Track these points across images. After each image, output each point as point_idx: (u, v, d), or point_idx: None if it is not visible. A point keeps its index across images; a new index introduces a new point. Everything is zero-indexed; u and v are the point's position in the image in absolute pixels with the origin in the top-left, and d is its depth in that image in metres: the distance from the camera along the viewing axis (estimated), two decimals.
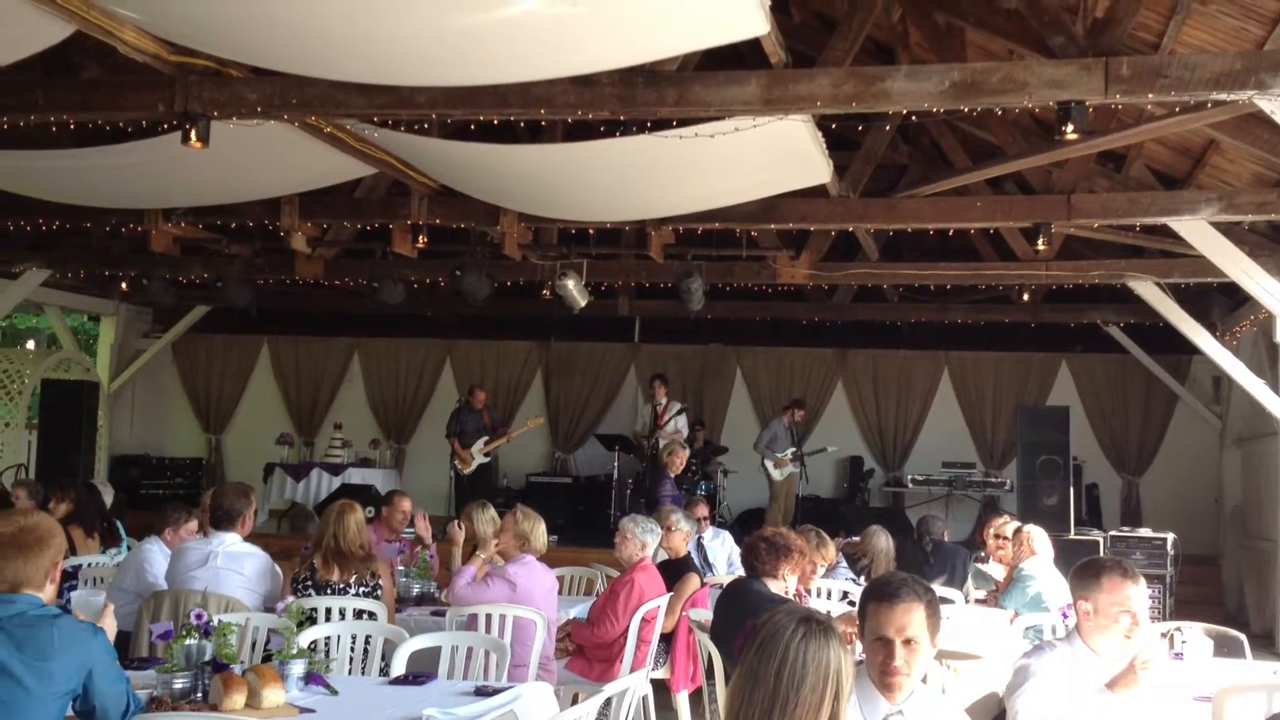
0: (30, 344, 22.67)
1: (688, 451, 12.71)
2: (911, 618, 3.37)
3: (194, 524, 7.34)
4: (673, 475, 12.36)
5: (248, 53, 7.24)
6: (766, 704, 2.66)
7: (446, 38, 6.48)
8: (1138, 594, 4.10)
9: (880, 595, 3.44)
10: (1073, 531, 11.68)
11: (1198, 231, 9.73)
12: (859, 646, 3.67)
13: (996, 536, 8.50)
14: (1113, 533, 12.08)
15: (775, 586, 5.97)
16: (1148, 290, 12.18)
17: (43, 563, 3.79)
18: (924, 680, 3.52)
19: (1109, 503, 15.48)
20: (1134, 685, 4.01)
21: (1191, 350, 13.26)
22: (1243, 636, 6.44)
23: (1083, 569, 4.25)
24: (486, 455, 14.25)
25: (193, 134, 7.48)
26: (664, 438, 14.10)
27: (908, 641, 3.36)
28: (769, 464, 14.23)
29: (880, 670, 3.37)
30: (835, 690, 2.68)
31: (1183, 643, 5.53)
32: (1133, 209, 9.77)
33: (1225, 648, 6.25)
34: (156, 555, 6.99)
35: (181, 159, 8.33)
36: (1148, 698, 4.05)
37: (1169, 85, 6.58)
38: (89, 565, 7.80)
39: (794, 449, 14.18)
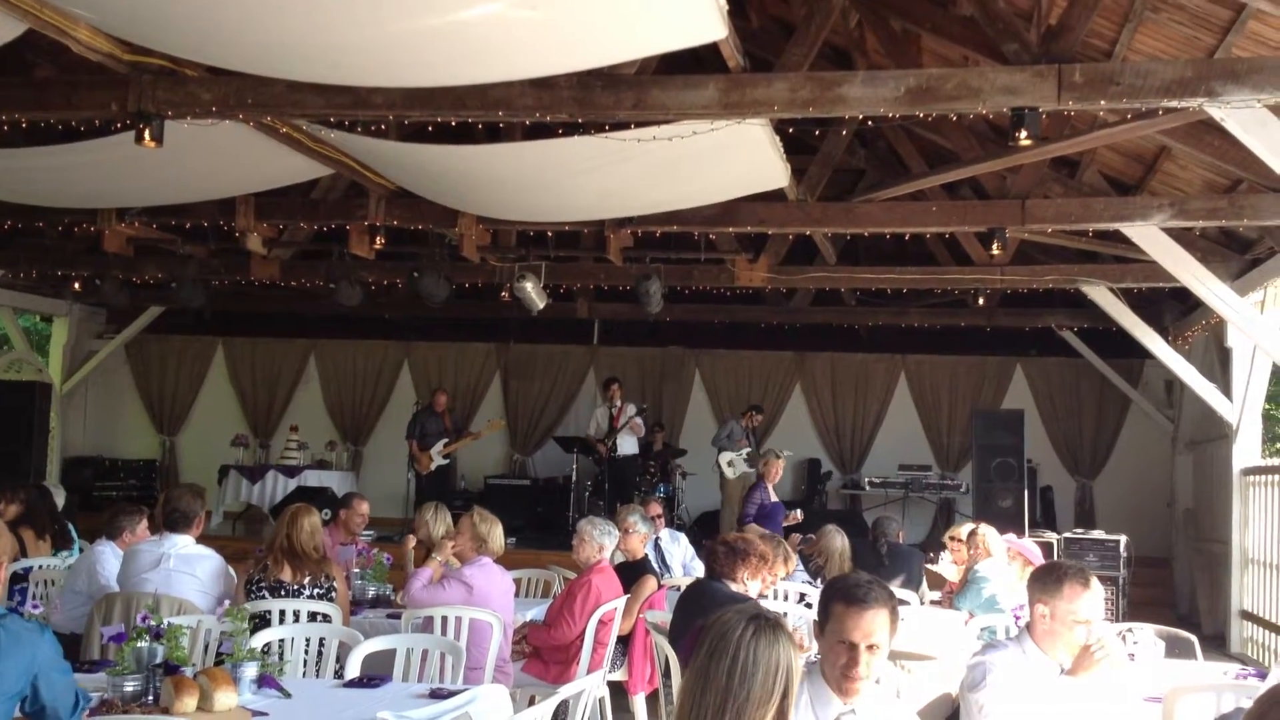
0: None
1: (783, 460, 12.20)
2: (878, 623, 3.39)
3: (145, 522, 7.27)
4: (770, 484, 11.66)
5: (203, 52, 7.17)
6: (718, 703, 2.66)
7: (405, 39, 6.46)
8: (1096, 604, 4.15)
9: (849, 598, 3.43)
10: (1027, 534, 11.76)
11: (1150, 237, 9.84)
12: (814, 647, 3.68)
13: (951, 539, 8.55)
14: (1066, 535, 12.18)
15: (734, 588, 5.98)
16: (1101, 295, 12.32)
17: None
18: (877, 680, 3.54)
19: (1063, 505, 15.59)
20: (1093, 667, 4.06)
21: (1144, 354, 13.41)
22: (1194, 638, 6.51)
23: (1045, 573, 4.29)
24: (446, 457, 14.24)
25: (146, 134, 7.40)
26: (630, 432, 14.13)
27: (870, 647, 3.38)
28: (723, 461, 14.18)
29: (842, 673, 3.39)
30: (785, 687, 2.68)
31: (1134, 644, 5.59)
32: (1086, 214, 9.88)
33: (1176, 649, 6.32)
34: (108, 557, 6.92)
35: (135, 159, 8.25)
36: (1107, 680, 4.09)
37: (1121, 92, 6.66)
38: (40, 568, 7.71)
39: (749, 450, 14.20)
